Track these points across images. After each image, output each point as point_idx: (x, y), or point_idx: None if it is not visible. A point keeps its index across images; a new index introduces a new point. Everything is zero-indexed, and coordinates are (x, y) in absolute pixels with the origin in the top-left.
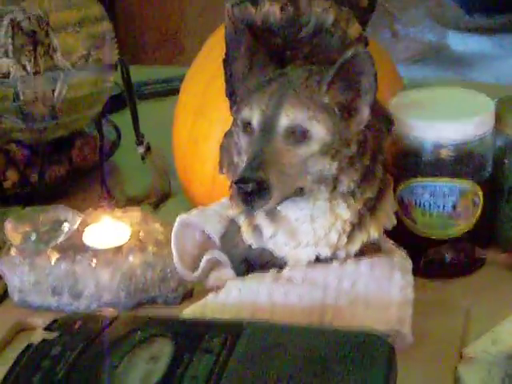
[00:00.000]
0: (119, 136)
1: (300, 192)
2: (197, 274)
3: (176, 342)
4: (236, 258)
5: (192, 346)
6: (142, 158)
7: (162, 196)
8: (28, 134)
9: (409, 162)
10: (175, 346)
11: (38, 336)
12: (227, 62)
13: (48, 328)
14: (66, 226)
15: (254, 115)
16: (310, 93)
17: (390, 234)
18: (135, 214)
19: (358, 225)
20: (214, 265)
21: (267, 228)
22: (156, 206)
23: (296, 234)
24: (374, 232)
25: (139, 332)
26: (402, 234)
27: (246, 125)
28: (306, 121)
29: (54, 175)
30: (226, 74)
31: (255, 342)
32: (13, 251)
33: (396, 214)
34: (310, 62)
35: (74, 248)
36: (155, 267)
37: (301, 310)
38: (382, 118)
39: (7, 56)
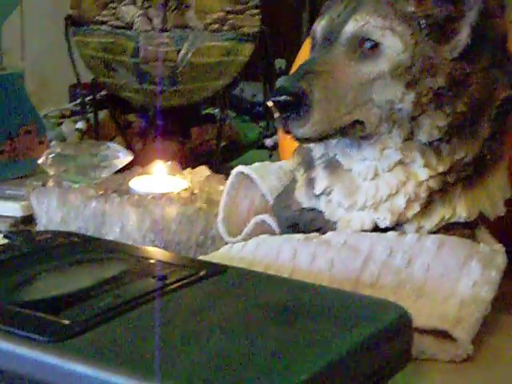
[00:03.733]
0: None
1: (360, 129)
2: (239, 237)
3: (129, 264)
4: (285, 221)
5: (145, 270)
6: (270, 152)
7: None
8: (141, 96)
9: None
10: (127, 266)
11: None
12: None
13: (7, 236)
14: (113, 165)
15: (320, 23)
16: None
17: (492, 227)
18: (202, 172)
19: (439, 194)
20: (263, 232)
21: (322, 181)
22: None
23: (354, 192)
24: (462, 211)
25: (99, 253)
26: (509, 232)
27: (312, 39)
28: (378, 30)
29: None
30: None
31: (221, 283)
32: (49, 183)
33: (508, 202)
34: None
35: (112, 188)
36: (195, 225)
37: (328, 277)
38: (508, 66)
39: (134, 4)
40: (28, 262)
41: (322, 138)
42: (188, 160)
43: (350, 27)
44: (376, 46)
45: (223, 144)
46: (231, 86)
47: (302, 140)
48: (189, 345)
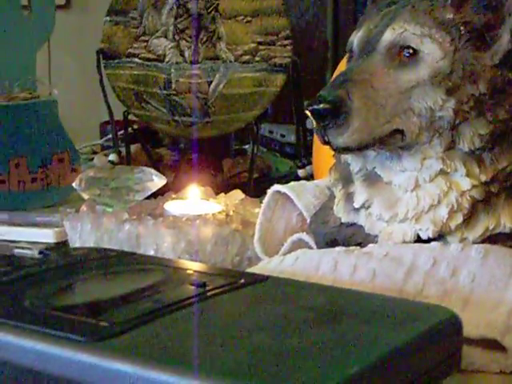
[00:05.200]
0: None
1: (400, 138)
2: (276, 258)
3: (167, 274)
4: (323, 237)
5: (183, 279)
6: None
7: None
8: (173, 128)
9: None
10: (165, 275)
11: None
12: None
13: (43, 252)
14: (146, 188)
15: (357, 34)
16: (431, 6)
17: None
18: (237, 196)
19: (482, 204)
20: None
21: (361, 194)
22: None
23: (394, 204)
24: (506, 221)
25: (136, 265)
26: None
27: (349, 51)
28: (416, 38)
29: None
30: None
31: (262, 290)
32: (83, 208)
33: None
34: None
35: (146, 212)
36: (230, 246)
37: (371, 288)
38: None
39: (166, 37)
40: (65, 272)
41: (360, 148)
42: (220, 192)
43: (388, 35)
44: (415, 53)
45: (255, 176)
46: (263, 117)
47: (341, 150)
48: (230, 343)
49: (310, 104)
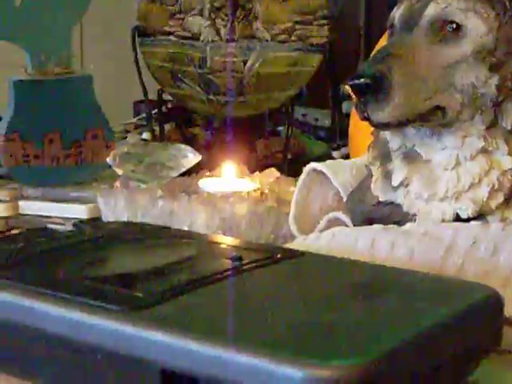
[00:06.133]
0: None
1: (441, 115)
2: (312, 235)
3: (202, 247)
4: (360, 216)
5: (219, 252)
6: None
7: None
8: (208, 107)
9: None
10: (200, 249)
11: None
12: None
13: (76, 225)
14: (181, 165)
15: (398, 10)
16: None
17: None
18: (272, 174)
19: None
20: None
21: (399, 172)
22: None
23: (434, 182)
24: None
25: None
26: None
27: (390, 27)
28: (461, 12)
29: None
30: None
31: (299, 265)
32: (117, 184)
33: None
34: None
35: (180, 188)
36: (265, 224)
37: (409, 266)
38: None
39: (202, 15)
40: (100, 245)
41: (401, 124)
42: (253, 172)
43: (431, 10)
44: (458, 28)
45: (289, 158)
46: (297, 99)
47: (381, 126)
48: (268, 317)
49: (351, 78)
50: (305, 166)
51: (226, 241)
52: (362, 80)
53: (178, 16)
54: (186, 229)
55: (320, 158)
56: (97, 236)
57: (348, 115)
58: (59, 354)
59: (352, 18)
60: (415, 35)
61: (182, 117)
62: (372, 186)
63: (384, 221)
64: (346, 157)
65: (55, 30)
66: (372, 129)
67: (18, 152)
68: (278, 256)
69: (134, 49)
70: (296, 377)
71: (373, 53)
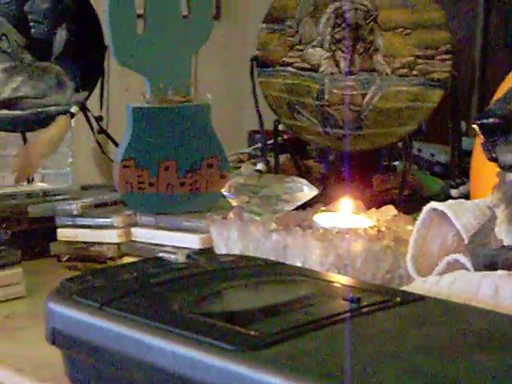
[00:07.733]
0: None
1: None
2: (430, 277)
3: (318, 287)
4: (482, 260)
5: (336, 293)
6: None
7: None
8: (324, 140)
9: None
10: (316, 288)
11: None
12: None
13: (190, 256)
14: (296, 198)
15: None
16: None
17: None
18: (389, 212)
19: None
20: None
21: None
22: None
23: None
24: None
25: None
26: None
27: None
28: None
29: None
30: None
31: (419, 310)
32: (230, 215)
33: None
34: None
35: (294, 222)
36: (381, 263)
37: None
38: None
39: (322, 47)
40: (214, 278)
41: None
42: (369, 207)
43: None
44: None
45: (405, 194)
46: (416, 134)
47: (508, 167)
48: (386, 363)
49: (479, 117)
50: (422, 202)
51: (342, 280)
52: (491, 120)
53: (297, 47)
54: (299, 264)
55: (437, 196)
56: (211, 269)
57: (467, 152)
58: None
59: (468, 50)
60: None
61: (297, 149)
62: (496, 229)
63: (508, 266)
64: (465, 196)
65: (176, 59)
66: (498, 169)
67: (133, 179)
68: (398, 299)
69: (252, 78)
70: None
71: (501, 92)
